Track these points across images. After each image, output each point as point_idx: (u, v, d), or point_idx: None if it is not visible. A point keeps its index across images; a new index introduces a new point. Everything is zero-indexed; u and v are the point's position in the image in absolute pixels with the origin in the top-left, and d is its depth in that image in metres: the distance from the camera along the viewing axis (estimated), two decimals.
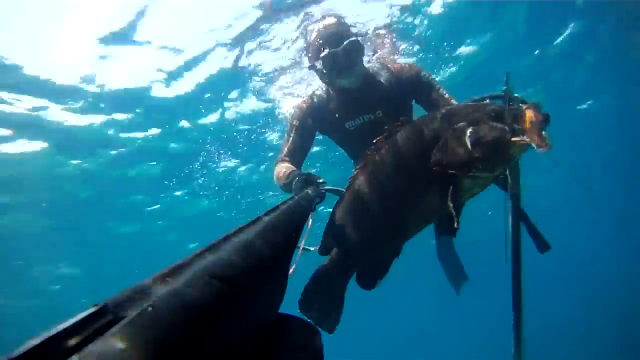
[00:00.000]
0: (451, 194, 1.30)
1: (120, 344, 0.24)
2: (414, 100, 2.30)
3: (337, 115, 2.23)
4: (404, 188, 1.44)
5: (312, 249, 1.60)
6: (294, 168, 2.06)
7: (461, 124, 1.30)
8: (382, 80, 2.20)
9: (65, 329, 0.24)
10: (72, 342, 0.24)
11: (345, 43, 1.97)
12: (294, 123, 2.28)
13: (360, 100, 2.17)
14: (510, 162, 1.35)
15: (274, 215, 0.70)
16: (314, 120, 2.27)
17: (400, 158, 1.44)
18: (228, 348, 0.41)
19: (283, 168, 2.05)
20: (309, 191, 1.42)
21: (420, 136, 1.40)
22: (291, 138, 2.27)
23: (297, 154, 2.26)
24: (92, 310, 0.27)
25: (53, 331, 0.24)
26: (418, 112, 2.41)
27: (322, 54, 1.98)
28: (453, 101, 2.14)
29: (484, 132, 1.25)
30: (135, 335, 0.26)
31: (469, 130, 1.28)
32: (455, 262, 2.94)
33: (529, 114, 1.22)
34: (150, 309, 0.29)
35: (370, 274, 1.65)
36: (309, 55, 2.14)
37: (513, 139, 1.22)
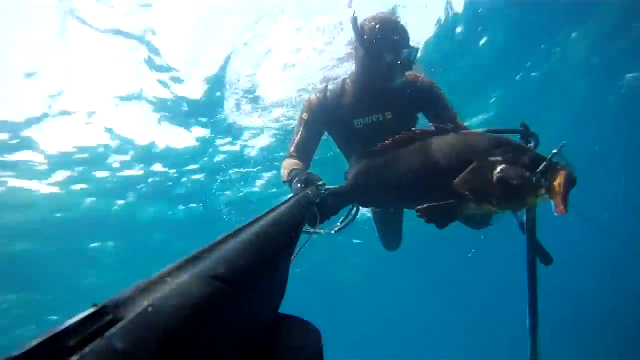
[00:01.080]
0: (455, 205, 1.44)
1: (120, 344, 0.24)
2: (421, 111, 2.30)
3: (348, 111, 2.21)
4: (422, 179, 1.60)
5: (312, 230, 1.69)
6: (298, 166, 2.04)
7: (497, 158, 1.39)
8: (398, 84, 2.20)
9: (65, 329, 0.24)
10: (72, 342, 0.24)
11: (417, 47, 2.00)
12: (304, 117, 2.24)
13: (375, 100, 2.17)
14: (521, 209, 1.44)
15: (274, 215, 0.70)
16: (323, 114, 2.24)
17: (434, 156, 1.58)
18: (228, 348, 0.41)
19: (289, 165, 2.04)
20: (309, 192, 1.43)
21: (460, 148, 1.51)
22: (300, 132, 2.23)
23: (306, 149, 2.23)
24: (92, 310, 0.27)
25: (53, 331, 0.24)
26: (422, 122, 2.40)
27: (406, 50, 1.96)
28: (458, 119, 2.16)
29: (513, 175, 1.33)
30: (135, 336, 0.26)
31: (500, 167, 1.35)
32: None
33: (561, 176, 1.27)
34: (150, 309, 0.29)
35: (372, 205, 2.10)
36: (373, 40, 2.01)
37: (537, 190, 1.29)
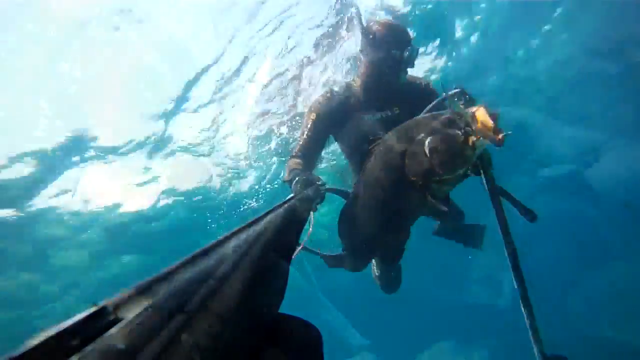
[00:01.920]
0: (427, 195, 1.51)
1: (120, 344, 0.24)
2: (421, 108, 2.35)
3: (357, 109, 2.25)
4: (387, 195, 1.66)
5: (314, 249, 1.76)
6: (300, 166, 2.04)
7: (421, 135, 1.47)
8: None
9: (66, 329, 0.24)
10: (72, 342, 0.24)
11: (417, 47, 2.12)
12: (312, 117, 2.24)
13: (384, 95, 2.22)
14: (468, 163, 1.48)
15: (275, 216, 0.70)
16: (331, 114, 2.24)
17: (380, 170, 1.66)
18: (227, 348, 0.41)
19: (292, 165, 2.04)
20: (309, 192, 1.43)
21: (392, 150, 1.60)
22: (306, 132, 2.23)
23: (311, 149, 2.22)
24: (92, 310, 0.27)
25: (53, 331, 0.24)
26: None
27: (409, 47, 2.07)
28: None
29: (439, 140, 1.41)
30: (135, 336, 0.26)
31: (426, 141, 1.43)
32: (462, 227, 2.61)
33: (479, 114, 1.34)
34: (150, 309, 0.29)
35: (382, 261, 2.14)
36: (380, 38, 2.12)
37: (469, 140, 1.35)
